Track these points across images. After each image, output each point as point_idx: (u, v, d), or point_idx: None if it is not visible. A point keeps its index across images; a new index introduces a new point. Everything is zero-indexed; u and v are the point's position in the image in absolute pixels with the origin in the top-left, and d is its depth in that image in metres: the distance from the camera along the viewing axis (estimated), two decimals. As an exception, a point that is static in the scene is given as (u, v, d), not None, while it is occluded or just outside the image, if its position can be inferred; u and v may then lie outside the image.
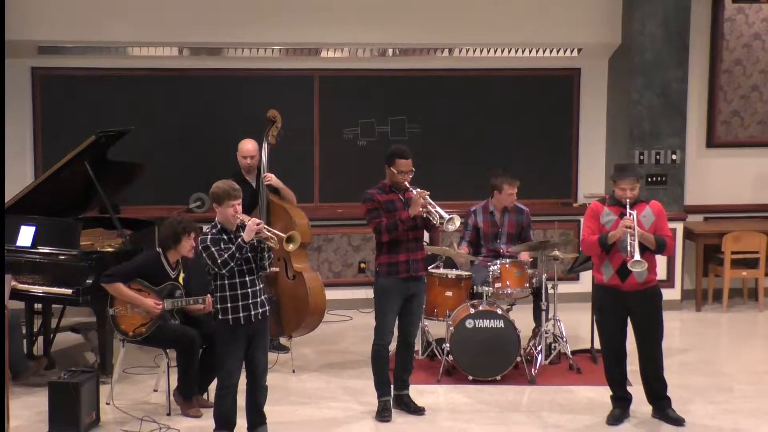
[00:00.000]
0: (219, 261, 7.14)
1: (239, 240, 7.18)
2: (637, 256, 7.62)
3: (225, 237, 7.26)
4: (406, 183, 8.03)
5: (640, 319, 7.95)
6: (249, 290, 7.26)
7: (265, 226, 7.33)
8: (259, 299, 7.32)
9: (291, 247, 7.47)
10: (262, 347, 7.40)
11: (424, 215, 7.93)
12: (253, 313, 7.26)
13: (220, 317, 7.26)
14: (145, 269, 8.17)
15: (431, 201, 7.93)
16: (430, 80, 11.58)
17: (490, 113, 11.67)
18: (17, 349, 8.81)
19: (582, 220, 11.41)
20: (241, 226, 7.29)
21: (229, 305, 7.22)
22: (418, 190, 7.96)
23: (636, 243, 7.66)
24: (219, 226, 7.30)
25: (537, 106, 11.77)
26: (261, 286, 7.38)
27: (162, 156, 11.00)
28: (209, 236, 7.24)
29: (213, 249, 7.17)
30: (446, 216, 7.83)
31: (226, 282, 7.22)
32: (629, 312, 7.93)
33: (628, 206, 7.82)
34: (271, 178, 9.50)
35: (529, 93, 11.75)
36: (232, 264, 7.16)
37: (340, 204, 11.42)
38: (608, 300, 7.94)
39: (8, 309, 7.30)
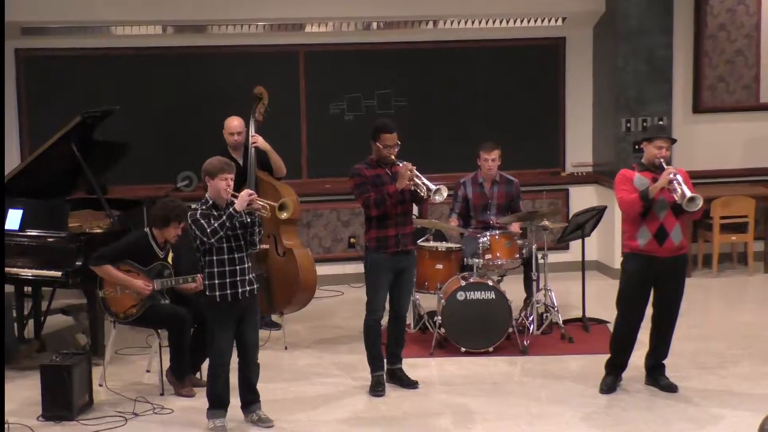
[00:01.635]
0: (208, 230, 7.11)
1: (231, 209, 7.15)
2: (689, 193, 7.58)
3: (215, 213, 7.23)
4: (393, 157, 8.00)
5: (668, 287, 7.93)
6: (237, 267, 7.25)
7: (257, 197, 7.31)
8: (247, 277, 7.31)
9: (284, 215, 7.47)
10: (252, 325, 7.40)
11: (412, 188, 7.91)
12: (240, 290, 7.25)
13: (207, 293, 7.26)
14: (133, 250, 8.14)
15: (418, 173, 7.91)
16: (415, 53, 11.54)
17: (476, 85, 11.64)
18: (8, 333, 8.78)
19: (570, 189, 11.61)
20: (231, 204, 7.26)
21: (216, 282, 7.21)
22: (404, 163, 7.93)
23: (684, 186, 7.61)
24: (210, 202, 7.27)
25: (523, 76, 11.74)
26: (250, 264, 7.37)
27: (148, 135, 10.96)
28: (199, 211, 7.23)
29: (202, 221, 7.15)
30: (433, 187, 7.81)
31: (215, 258, 7.21)
32: (656, 280, 7.90)
33: (664, 164, 7.77)
34: (258, 140, 9.46)
35: (514, 63, 11.72)
36: (221, 233, 7.13)
37: (329, 179, 11.40)
38: (640, 268, 7.87)
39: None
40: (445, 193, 7.85)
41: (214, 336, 7.32)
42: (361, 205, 8.09)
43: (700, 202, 7.64)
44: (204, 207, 7.26)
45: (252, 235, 7.32)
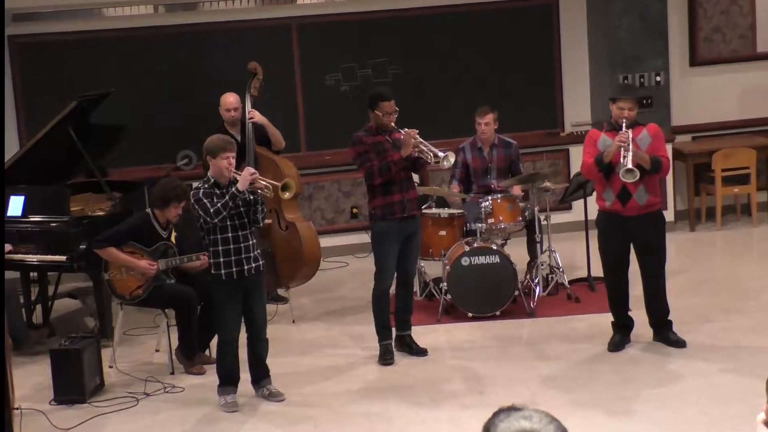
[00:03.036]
0: (211, 210, 7.12)
1: (233, 189, 7.16)
2: (629, 165, 7.60)
3: (218, 191, 7.24)
4: (392, 124, 7.99)
5: (642, 244, 7.96)
6: (242, 245, 7.26)
7: (260, 176, 7.31)
8: (252, 254, 7.31)
9: (287, 195, 7.48)
10: (260, 301, 7.42)
11: (416, 154, 7.90)
12: (246, 267, 7.27)
13: (213, 272, 7.28)
14: (136, 231, 8.14)
15: (422, 140, 7.91)
16: (408, 20, 11.49)
17: (471, 49, 11.59)
18: (17, 319, 8.80)
19: (570, 149, 11.58)
20: (234, 182, 7.26)
21: (222, 260, 7.23)
22: (406, 130, 7.92)
23: (630, 156, 7.64)
24: (212, 180, 7.28)
25: (517, 37, 11.69)
26: (254, 241, 7.37)
27: (145, 116, 10.92)
28: (201, 190, 7.23)
29: (205, 200, 7.16)
30: (441, 154, 7.82)
31: (219, 236, 7.22)
32: (631, 237, 7.93)
33: (624, 126, 7.79)
34: (255, 114, 9.44)
35: (508, 25, 11.67)
36: (224, 213, 7.14)
37: (328, 151, 11.38)
38: (611, 226, 7.93)
39: (3, 280, 7.29)
40: (452, 158, 7.90)
41: (221, 313, 7.34)
42: (364, 173, 8.06)
43: (636, 176, 7.64)
44: (206, 186, 7.26)
45: (255, 213, 7.32)
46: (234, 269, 7.24)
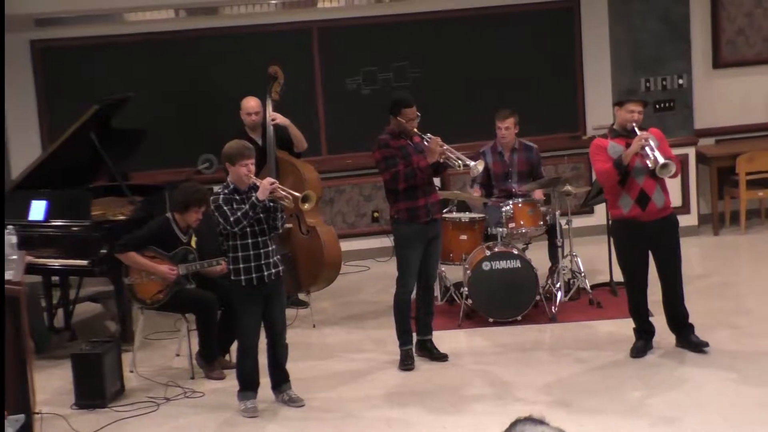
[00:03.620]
0: (231, 219, 7.13)
1: (253, 198, 7.15)
2: (662, 160, 7.57)
3: (237, 197, 7.24)
4: (414, 129, 7.97)
5: (662, 249, 7.92)
6: (261, 251, 7.25)
7: (280, 186, 7.30)
8: (271, 260, 7.31)
9: (306, 206, 7.46)
10: (279, 306, 7.41)
11: (441, 161, 7.89)
12: (266, 273, 7.26)
13: (232, 278, 7.28)
14: (156, 236, 8.15)
15: (448, 146, 7.90)
16: (429, 23, 11.46)
17: (492, 52, 11.56)
18: (39, 323, 8.84)
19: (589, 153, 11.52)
20: (253, 187, 7.26)
21: (241, 266, 7.23)
22: (431, 137, 7.90)
23: (657, 152, 7.61)
24: (231, 186, 7.27)
25: (539, 41, 11.65)
26: (273, 247, 7.37)
27: (167, 120, 10.95)
28: (221, 196, 7.23)
29: (225, 207, 7.16)
30: (471, 163, 7.86)
31: (238, 243, 7.22)
32: (650, 243, 7.89)
33: (636, 129, 7.75)
34: (277, 117, 9.44)
35: (529, 28, 11.63)
36: (244, 222, 7.14)
37: (348, 154, 11.36)
38: (629, 234, 7.88)
39: (25, 284, 7.30)
40: (481, 166, 7.97)
41: (241, 318, 7.34)
42: (388, 178, 7.98)
43: (674, 168, 7.64)
44: (226, 191, 7.25)
45: (274, 219, 7.32)
46: (253, 275, 7.24)
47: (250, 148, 7.37)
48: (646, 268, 7.97)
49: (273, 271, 7.32)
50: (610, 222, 8.16)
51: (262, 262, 7.26)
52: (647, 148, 7.67)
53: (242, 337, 7.39)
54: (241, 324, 7.35)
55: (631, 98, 8.00)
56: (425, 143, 7.94)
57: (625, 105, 7.89)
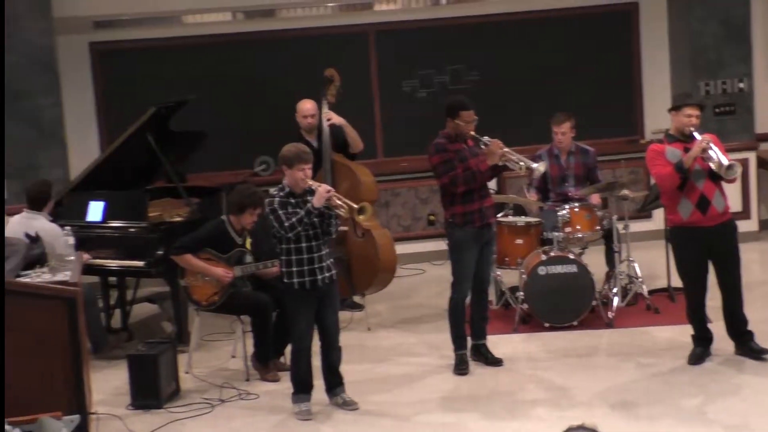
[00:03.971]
0: (286, 224, 7.14)
1: (308, 205, 7.15)
2: (726, 162, 7.48)
3: (292, 200, 7.24)
4: (473, 132, 7.93)
5: (722, 255, 7.82)
6: (315, 255, 7.26)
7: (336, 194, 7.29)
8: (324, 263, 7.31)
9: (362, 218, 7.46)
10: (332, 309, 7.41)
11: (501, 164, 7.87)
12: (319, 277, 7.27)
13: (285, 280, 7.28)
14: (212, 238, 8.18)
15: (508, 149, 7.88)
16: (486, 26, 11.43)
17: (549, 55, 11.50)
18: (97, 323, 8.90)
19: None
20: (309, 191, 7.26)
21: (294, 269, 7.24)
22: (492, 140, 7.88)
23: (720, 154, 7.52)
24: (287, 190, 7.28)
25: (597, 44, 11.58)
26: (327, 250, 7.36)
27: (224, 122, 11.00)
28: (277, 199, 7.23)
29: (280, 212, 7.17)
30: (533, 165, 7.85)
31: (292, 246, 7.22)
32: (709, 249, 7.79)
33: (696, 133, 7.66)
34: (333, 116, 9.45)
35: (588, 31, 11.56)
36: (299, 228, 7.15)
37: (404, 158, 11.35)
38: (688, 239, 7.78)
39: (82, 285, 7.36)
40: (543, 167, 7.98)
41: (294, 321, 7.34)
42: (446, 182, 7.91)
43: (739, 170, 7.57)
44: (282, 194, 7.26)
45: (328, 225, 7.31)
46: (306, 279, 7.24)
47: (307, 152, 7.36)
48: (705, 273, 7.88)
49: (326, 275, 7.32)
50: (669, 228, 8.05)
51: (316, 266, 7.26)
52: (710, 151, 7.58)
53: (295, 340, 7.39)
54: (294, 327, 7.36)
55: (688, 102, 7.91)
56: (482, 146, 7.91)
57: (682, 109, 7.80)
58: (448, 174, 7.88)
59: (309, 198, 7.25)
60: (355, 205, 7.33)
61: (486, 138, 7.92)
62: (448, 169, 7.89)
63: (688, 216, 7.75)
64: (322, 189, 7.21)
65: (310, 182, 7.28)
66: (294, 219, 7.14)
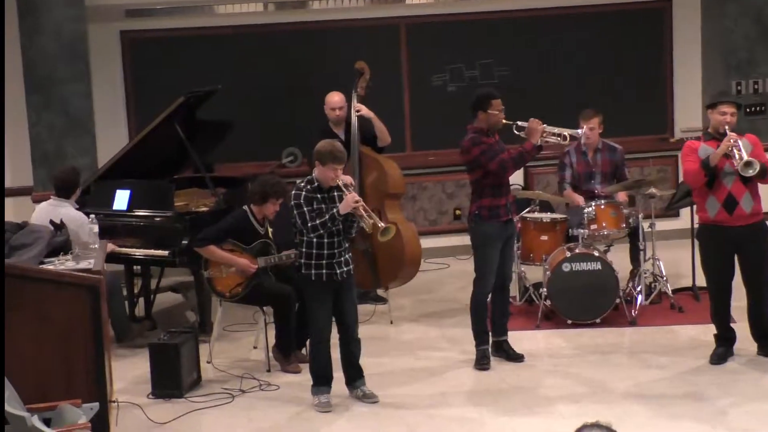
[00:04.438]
0: (309, 224, 7.15)
1: (334, 211, 7.17)
2: (746, 157, 7.43)
3: (319, 195, 7.24)
4: (504, 120, 7.93)
5: (749, 256, 7.77)
6: (335, 250, 7.28)
7: (363, 205, 7.29)
8: (343, 258, 7.32)
9: (382, 238, 7.48)
10: (350, 301, 7.42)
11: (541, 142, 7.92)
12: (337, 271, 7.29)
13: (303, 271, 7.30)
14: (235, 228, 8.19)
15: (546, 125, 7.96)
16: (516, 21, 11.39)
17: (580, 51, 11.44)
18: (120, 312, 8.94)
19: (679, 155, 11.34)
20: (337, 188, 7.26)
21: (313, 261, 7.26)
22: (531, 119, 7.95)
23: (743, 151, 7.47)
24: (315, 183, 7.27)
25: (629, 40, 11.50)
26: (346, 245, 7.37)
27: (252, 112, 11.01)
28: (303, 192, 7.23)
29: (305, 209, 7.17)
30: (577, 131, 8.30)
31: (314, 240, 7.23)
32: (736, 249, 7.74)
33: (727, 130, 7.59)
34: (362, 108, 9.44)
35: (620, 28, 11.49)
36: (321, 231, 7.17)
37: (433, 151, 11.33)
38: (715, 238, 7.75)
39: (106, 273, 7.39)
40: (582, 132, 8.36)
41: (312, 312, 7.35)
42: (494, 168, 7.82)
43: (758, 167, 7.47)
44: (309, 187, 7.25)
45: (349, 227, 7.32)
46: (324, 272, 7.26)
47: (343, 153, 7.31)
48: (731, 273, 7.83)
49: (345, 269, 7.34)
50: (697, 225, 8.00)
51: (334, 260, 7.28)
52: (734, 149, 7.53)
53: (314, 332, 7.41)
54: (313, 318, 7.37)
55: (723, 99, 7.86)
56: (516, 131, 7.98)
57: (718, 107, 7.75)
58: (494, 160, 7.84)
59: (336, 194, 7.25)
60: (381, 223, 7.36)
61: (520, 122, 7.92)
62: (492, 155, 7.86)
63: (714, 215, 7.71)
64: (350, 198, 7.21)
65: (342, 177, 7.28)
66: (318, 221, 7.15)
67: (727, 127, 7.65)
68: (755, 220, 7.74)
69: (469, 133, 7.98)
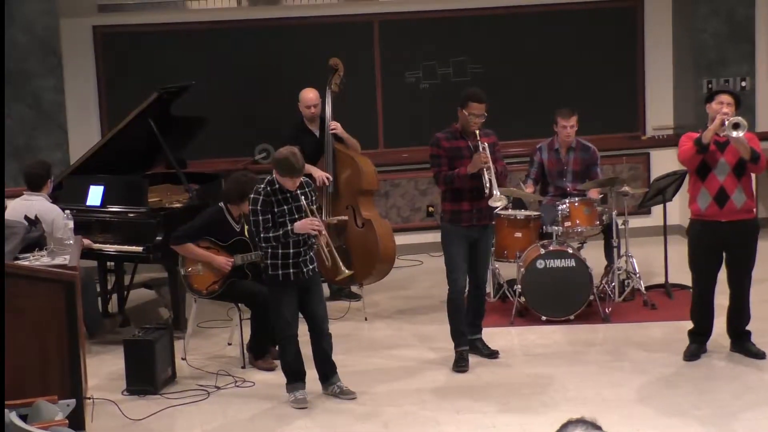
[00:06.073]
0: (263, 235, 7.16)
1: (289, 229, 7.16)
2: (735, 120, 7.38)
3: (280, 197, 7.21)
4: (476, 128, 7.82)
5: (737, 254, 7.79)
6: (300, 248, 7.28)
7: (325, 235, 7.36)
8: (308, 256, 7.35)
9: (338, 277, 7.58)
10: (318, 296, 7.44)
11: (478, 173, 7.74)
12: (304, 270, 7.30)
13: (270, 272, 7.28)
14: (211, 226, 8.17)
15: (490, 167, 7.72)
16: (489, 19, 11.42)
17: (552, 49, 11.49)
18: (92, 308, 8.88)
19: (651, 153, 11.43)
20: (304, 184, 7.26)
21: (279, 262, 7.26)
22: (483, 150, 7.72)
23: (732, 120, 7.42)
24: (276, 185, 7.24)
25: (601, 39, 11.57)
26: (311, 242, 7.36)
27: (225, 109, 10.98)
28: (261, 197, 7.19)
29: (261, 218, 7.17)
30: (496, 192, 7.69)
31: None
32: (724, 244, 7.76)
33: (725, 122, 7.54)
34: (337, 127, 9.46)
35: (592, 26, 11.55)
36: (273, 244, 7.18)
37: (405, 149, 11.35)
38: (704, 235, 7.75)
39: (81, 268, 7.35)
40: (502, 203, 7.86)
41: (278, 309, 7.34)
42: (432, 176, 8.00)
43: (746, 126, 7.39)
44: (269, 189, 7.22)
45: (307, 239, 7.34)
46: (291, 271, 7.26)
47: (300, 166, 7.21)
48: (716, 268, 7.84)
49: (310, 267, 7.35)
50: (689, 219, 7.98)
51: (300, 259, 7.28)
52: (726, 123, 7.45)
53: (281, 329, 7.38)
54: (279, 316, 7.35)
55: (720, 90, 7.87)
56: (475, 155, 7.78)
57: (715, 98, 7.75)
58: (433, 169, 7.88)
59: (299, 191, 7.24)
60: (343, 268, 7.51)
61: (483, 145, 7.78)
62: (434, 164, 7.88)
63: (705, 208, 7.70)
64: (308, 223, 7.19)
65: (313, 170, 7.27)
66: (271, 234, 7.15)
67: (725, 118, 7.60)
68: (746, 217, 7.75)
69: (442, 131, 7.95)
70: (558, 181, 9.56)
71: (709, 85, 11.10)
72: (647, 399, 7.27)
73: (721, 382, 7.53)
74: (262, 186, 7.27)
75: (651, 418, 6.95)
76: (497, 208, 7.95)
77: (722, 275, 7.91)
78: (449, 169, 7.80)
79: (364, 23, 11.31)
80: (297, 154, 7.25)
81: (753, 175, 7.85)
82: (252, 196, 7.28)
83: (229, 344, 8.65)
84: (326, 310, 7.56)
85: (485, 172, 7.72)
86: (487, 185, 7.72)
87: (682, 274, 9.52)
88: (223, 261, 8.09)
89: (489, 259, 8.40)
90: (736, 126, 7.42)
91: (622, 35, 11.62)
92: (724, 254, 7.81)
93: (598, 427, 3.22)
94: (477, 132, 7.80)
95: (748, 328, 7.99)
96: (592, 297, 8.87)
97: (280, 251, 7.24)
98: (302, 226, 7.18)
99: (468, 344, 8.10)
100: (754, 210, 7.90)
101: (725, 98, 7.69)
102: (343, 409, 7.34)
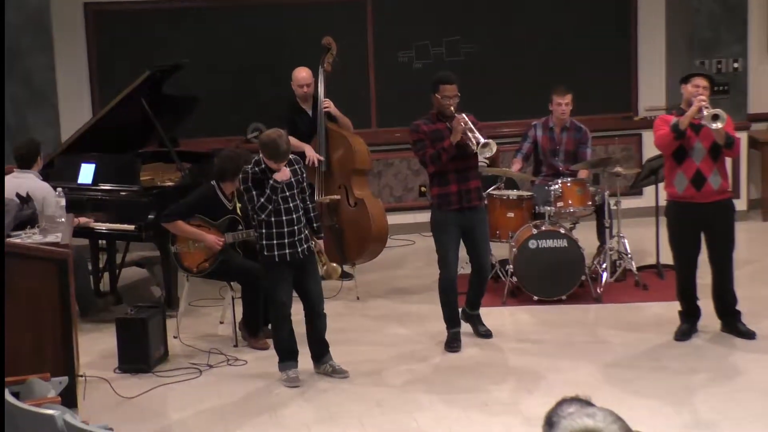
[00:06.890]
0: (257, 206, 7.14)
1: (272, 181, 7.14)
2: (714, 111, 7.39)
3: (270, 174, 7.20)
4: (452, 109, 7.77)
5: (715, 233, 7.82)
6: (294, 227, 7.27)
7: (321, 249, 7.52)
8: (303, 235, 7.33)
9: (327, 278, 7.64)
10: (313, 276, 7.43)
11: (464, 142, 7.66)
12: (299, 249, 7.29)
13: (266, 253, 7.28)
14: (202, 203, 8.15)
15: (471, 126, 7.66)
16: (483, -1, 11.41)
17: (545, 29, 11.47)
18: (84, 286, 8.87)
19: (643, 133, 11.42)
20: (289, 162, 7.26)
21: (275, 242, 7.24)
22: (459, 115, 7.66)
23: (711, 110, 7.42)
24: (263, 165, 7.24)
25: (594, 19, 11.55)
26: (304, 221, 7.37)
27: (218, 87, 10.95)
28: (250, 175, 7.20)
29: (254, 192, 7.16)
30: (482, 140, 7.56)
31: (273, 219, 7.22)
32: (704, 226, 7.79)
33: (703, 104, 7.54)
34: (330, 105, 9.44)
35: (585, 6, 11.54)
36: (270, 207, 7.15)
37: (398, 128, 11.29)
38: (683, 216, 7.78)
39: (72, 247, 7.34)
40: (494, 148, 7.59)
41: (273, 289, 7.34)
42: (419, 161, 7.98)
43: (725, 118, 7.39)
44: (257, 169, 7.22)
45: (302, 192, 7.36)
46: (287, 251, 7.25)
47: (285, 151, 7.19)
48: (697, 250, 7.88)
49: (305, 246, 7.34)
50: (665, 201, 8.02)
51: (295, 238, 7.27)
52: (704, 109, 7.46)
53: (275, 308, 7.39)
54: (274, 295, 7.35)
55: (696, 72, 7.89)
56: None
57: (691, 80, 7.76)
58: (418, 153, 7.83)
59: (288, 168, 7.25)
60: (334, 266, 7.68)
61: (458, 115, 7.69)
62: (418, 148, 7.81)
63: (682, 191, 7.74)
64: (284, 172, 7.19)
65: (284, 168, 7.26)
66: (263, 199, 7.14)
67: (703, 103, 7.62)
68: (722, 197, 7.79)
69: (419, 118, 7.90)
70: (551, 160, 9.55)
71: (702, 66, 11.08)
72: (638, 378, 7.29)
73: (712, 362, 7.55)
74: (250, 167, 7.27)
75: (643, 398, 6.96)
76: (490, 154, 7.70)
77: (703, 257, 7.94)
78: (432, 150, 7.77)
79: (357, 2, 11.27)
80: (284, 136, 7.22)
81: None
82: (242, 176, 7.28)
83: (221, 323, 8.65)
84: (321, 289, 7.55)
85: (468, 134, 7.64)
86: (473, 143, 7.60)
87: (673, 254, 9.57)
88: (214, 239, 8.08)
89: (487, 243, 8.26)
90: (715, 118, 7.43)
91: (615, 15, 11.60)
92: (702, 235, 7.83)
93: (592, 405, 3.22)
94: (453, 110, 7.71)
95: (737, 308, 8.01)
96: (584, 277, 8.88)
97: (274, 231, 7.23)
98: (282, 174, 7.18)
99: (460, 325, 8.09)
100: (729, 189, 7.91)
101: (701, 81, 7.70)
102: (335, 388, 7.35)
